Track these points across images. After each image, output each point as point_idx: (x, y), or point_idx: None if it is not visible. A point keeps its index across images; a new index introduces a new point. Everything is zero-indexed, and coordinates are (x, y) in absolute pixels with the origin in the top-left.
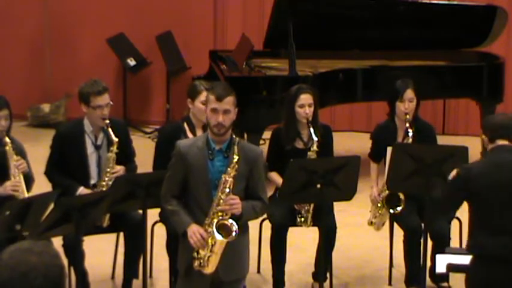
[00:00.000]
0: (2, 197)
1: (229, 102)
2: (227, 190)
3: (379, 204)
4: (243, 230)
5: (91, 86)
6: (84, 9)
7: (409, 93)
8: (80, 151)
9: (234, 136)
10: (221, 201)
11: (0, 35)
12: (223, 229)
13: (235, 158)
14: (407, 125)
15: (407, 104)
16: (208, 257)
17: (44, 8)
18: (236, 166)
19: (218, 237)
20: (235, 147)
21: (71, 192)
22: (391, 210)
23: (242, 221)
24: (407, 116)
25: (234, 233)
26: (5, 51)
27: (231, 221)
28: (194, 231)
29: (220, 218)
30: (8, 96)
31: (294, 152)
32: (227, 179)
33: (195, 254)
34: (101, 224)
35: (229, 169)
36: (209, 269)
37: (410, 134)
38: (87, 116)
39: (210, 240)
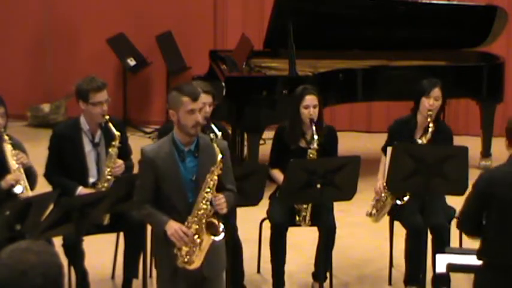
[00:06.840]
0: (4, 194)
1: (201, 98)
2: (209, 189)
3: (383, 194)
4: None
5: (89, 82)
6: (84, 9)
7: (437, 92)
8: (78, 150)
9: (202, 135)
10: (204, 199)
11: (0, 35)
12: (210, 227)
13: (220, 156)
14: (429, 119)
15: (432, 100)
16: (196, 254)
17: (44, 8)
18: (221, 165)
19: (216, 238)
20: (215, 145)
21: (70, 193)
22: (398, 202)
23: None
24: (430, 112)
25: (221, 232)
26: (5, 51)
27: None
28: (175, 229)
29: (207, 216)
30: (8, 96)
31: (297, 150)
32: (212, 178)
33: (177, 251)
34: (101, 222)
35: (213, 168)
36: (194, 264)
37: (430, 129)
38: (85, 113)
39: (196, 238)
